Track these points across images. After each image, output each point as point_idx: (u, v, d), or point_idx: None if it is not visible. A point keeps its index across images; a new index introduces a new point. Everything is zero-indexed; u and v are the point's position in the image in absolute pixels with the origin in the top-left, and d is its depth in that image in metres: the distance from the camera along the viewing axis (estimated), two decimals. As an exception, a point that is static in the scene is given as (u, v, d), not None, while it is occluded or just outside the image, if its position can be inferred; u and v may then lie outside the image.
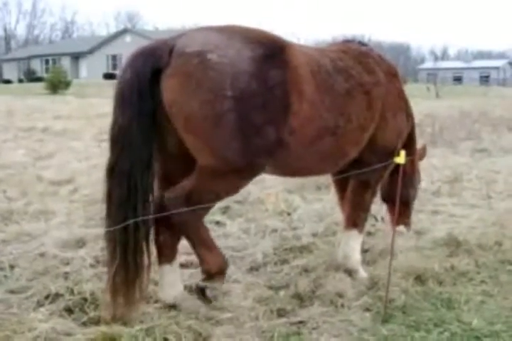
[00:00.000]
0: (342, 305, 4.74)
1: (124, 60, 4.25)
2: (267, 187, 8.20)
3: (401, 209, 5.82)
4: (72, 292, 4.72)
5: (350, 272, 5.41)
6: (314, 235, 6.50)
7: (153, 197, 4.39)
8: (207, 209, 4.55)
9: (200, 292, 4.66)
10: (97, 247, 5.75)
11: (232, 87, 4.09)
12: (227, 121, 4.10)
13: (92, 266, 5.42)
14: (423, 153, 6.62)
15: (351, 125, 4.92)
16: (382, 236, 6.44)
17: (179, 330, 4.17)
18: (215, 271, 4.59)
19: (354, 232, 5.56)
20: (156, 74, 4.16)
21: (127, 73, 4.23)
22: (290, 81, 4.34)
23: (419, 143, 6.52)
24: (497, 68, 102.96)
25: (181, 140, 4.27)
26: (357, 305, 4.76)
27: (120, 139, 4.21)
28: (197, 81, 4.07)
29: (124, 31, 74.38)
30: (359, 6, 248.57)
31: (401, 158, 4.69)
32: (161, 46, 4.28)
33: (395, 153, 5.14)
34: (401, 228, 6.17)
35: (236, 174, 4.38)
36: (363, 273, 5.45)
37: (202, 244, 4.59)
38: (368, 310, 4.72)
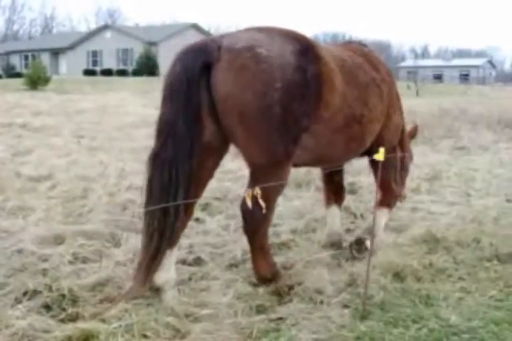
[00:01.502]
0: (321, 302, 4.74)
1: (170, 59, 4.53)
2: (246, 184, 8.19)
3: (388, 191, 6.28)
4: (50, 289, 4.67)
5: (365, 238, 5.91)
6: (294, 232, 6.51)
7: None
8: (273, 207, 4.86)
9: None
10: (76, 244, 5.73)
11: (281, 79, 4.38)
12: (274, 112, 4.39)
13: (70, 262, 5.38)
14: (414, 132, 7.22)
15: (372, 115, 5.41)
16: (361, 232, 6.44)
17: (158, 327, 4.17)
18: (265, 276, 4.95)
19: (384, 210, 6.20)
20: (205, 69, 4.37)
21: (176, 67, 4.46)
22: (323, 74, 4.65)
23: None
24: (477, 67, 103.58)
25: (216, 135, 4.55)
26: (336, 301, 4.76)
27: (166, 130, 4.44)
28: (251, 73, 4.34)
29: (104, 27, 73.98)
30: (339, 4, 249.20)
31: (380, 155, 4.71)
32: (209, 43, 4.51)
33: (396, 144, 6.16)
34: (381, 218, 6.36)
35: (279, 167, 4.69)
36: (382, 238, 6.18)
37: (261, 249, 4.93)
38: (346, 306, 4.72)
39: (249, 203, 4.43)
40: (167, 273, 4.73)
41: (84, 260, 5.50)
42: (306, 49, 4.62)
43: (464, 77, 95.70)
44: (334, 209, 6.33)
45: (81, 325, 4.14)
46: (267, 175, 4.63)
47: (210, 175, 4.95)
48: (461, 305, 4.86)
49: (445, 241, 6.29)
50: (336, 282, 5.11)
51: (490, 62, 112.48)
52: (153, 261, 4.53)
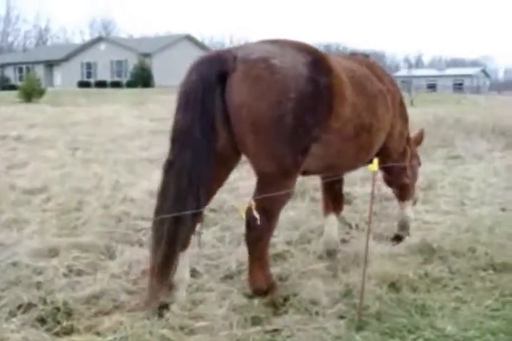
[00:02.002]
0: (316, 313, 4.72)
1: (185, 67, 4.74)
2: (241, 196, 8.20)
3: (406, 190, 7.05)
4: (44, 302, 4.68)
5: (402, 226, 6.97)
6: (289, 243, 6.50)
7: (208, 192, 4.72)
8: (277, 216, 4.92)
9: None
10: (70, 256, 5.70)
11: (294, 90, 4.47)
12: (287, 122, 4.47)
13: (65, 275, 5.36)
14: (420, 137, 7.57)
15: (379, 124, 5.58)
16: (356, 243, 6.43)
17: (153, 340, 4.17)
18: (260, 288, 4.94)
19: (406, 201, 7.02)
20: (220, 78, 4.47)
21: (192, 76, 4.56)
22: (334, 85, 4.77)
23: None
24: (470, 76, 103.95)
25: (228, 144, 4.64)
26: (331, 312, 4.74)
27: (181, 137, 4.54)
28: (266, 84, 4.44)
29: (98, 39, 74.12)
30: (332, 14, 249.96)
31: (374, 166, 4.71)
32: (224, 53, 4.62)
33: (405, 152, 6.60)
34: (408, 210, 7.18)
35: (287, 177, 4.77)
36: (412, 238, 6.66)
37: (260, 260, 4.92)
38: (342, 317, 4.70)
39: (255, 213, 4.45)
40: (181, 272, 4.82)
41: (79, 273, 5.48)
42: (317, 61, 4.74)
43: (458, 87, 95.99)
44: (332, 217, 6.40)
45: (76, 338, 4.16)
46: (275, 184, 4.70)
47: (220, 184, 5.12)
48: (457, 315, 4.84)
49: (440, 250, 6.28)
50: (332, 293, 5.09)
51: (484, 71, 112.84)
52: (167, 269, 4.58)
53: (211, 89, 4.46)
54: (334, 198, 6.44)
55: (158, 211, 4.64)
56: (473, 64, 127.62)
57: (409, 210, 7.09)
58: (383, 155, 6.07)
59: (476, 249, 6.35)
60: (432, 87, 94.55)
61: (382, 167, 6.05)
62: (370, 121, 5.41)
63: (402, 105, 6.45)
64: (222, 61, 4.53)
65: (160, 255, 4.53)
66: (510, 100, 49.44)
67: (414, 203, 7.57)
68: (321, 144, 4.85)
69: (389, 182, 6.96)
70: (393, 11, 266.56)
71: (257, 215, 4.46)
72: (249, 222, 4.69)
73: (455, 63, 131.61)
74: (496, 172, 11.96)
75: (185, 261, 4.85)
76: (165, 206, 4.58)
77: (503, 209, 8.64)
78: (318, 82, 4.62)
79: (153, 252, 4.61)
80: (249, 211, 4.55)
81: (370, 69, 5.93)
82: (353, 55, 6.38)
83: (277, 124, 4.46)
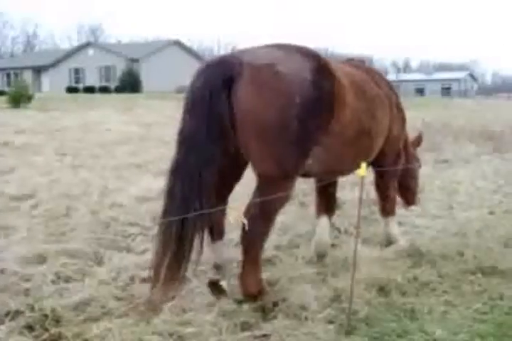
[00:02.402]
0: (306, 318, 4.71)
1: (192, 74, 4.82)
2: (230, 200, 8.18)
3: (407, 193, 7.52)
4: (32, 309, 4.64)
5: (389, 243, 6.77)
6: (278, 248, 6.49)
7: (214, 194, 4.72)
8: (275, 218, 4.96)
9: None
10: (58, 263, 5.68)
11: (299, 95, 4.55)
12: (291, 126, 4.54)
13: (53, 282, 5.32)
14: (419, 140, 7.79)
15: (378, 128, 5.76)
16: (345, 247, 6.43)
17: (142, 346, 4.14)
18: (251, 292, 4.95)
19: (390, 217, 6.88)
20: (226, 83, 4.52)
21: (198, 81, 4.65)
22: (336, 90, 4.86)
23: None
24: (458, 80, 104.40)
25: (234, 147, 4.70)
26: (320, 317, 4.73)
27: (188, 140, 4.62)
28: (271, 89, 4.52)
29: (86, 44, 73.90)
30: (321, 20, 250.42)
31: (362, 171, 4.72)
32: (230, 58, 4.70)
33: (400, 155, 6.74)
34: (412, 207, 7.81)
35: (288, 178, 4.85)
36: (402, 242, 6.71)
37: (254, 263, 4.93)
38: (331, 322, 4.69)
39: (243, 218, 4.54)
40: (227, 253, 5.48)
41: (67, 279, 5.44)
42: (321, 66, 4.81)
43: (446, 91, 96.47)
44: (324, 220, 6.45)
45: (64, 345, 4.11)
46: (275, 187, 4.75)
47: (232, 186, 5.29)
48: (446, 319, 4.86)
49: (429, 254, 6.29)
50: (321, 298, 5.08)
51: (471, 75, 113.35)
52: (174, 270, 4.62)
53: (217, 93, 4.52)
54: (327, 202, 6.54)
55: (165, 212, 4.69)
56: (461, 68, 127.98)
57: (394, 226, 6.96)
58: (379, 157, 6.25)
59: (464, 252, 6.38)
60: (420, 91, 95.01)
61: (376, 170, 6.45)
62: (370, 125, 5.55)
63: (399, 108, 6.58)
64: (229, 66, 4.58)
65: (169, 256, 4.57)
66: (498, 104, 49.72)
67: (416, 204, 7.81)
68: (322, 147, 4.92)
69: (378, 187, 6.91)
70: (381, 15, 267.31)
71: (245, 220, 4.51)
72: (247, 224, 4.67)
73: (443, 67, 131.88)
74: (484, 175, 12.03)
75: (223, 247, 5.50)
76: (171, 207, 4.65)
77: (491, 213, 8.68)
78: (321, 87, 4.71)
79: (161, 253, 4.62)
80: (246, 213, 4.63)
81: (368, 74, 6.08)
82: (350, 61, 6.55)
83: (282, 128, 4.53)
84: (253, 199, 4.75)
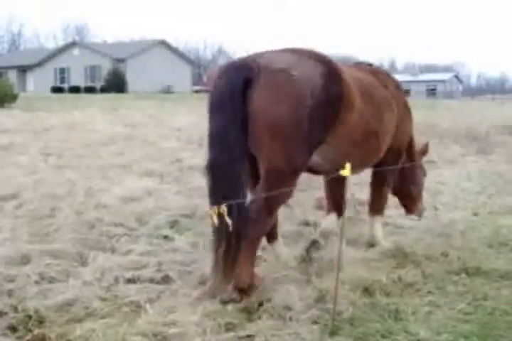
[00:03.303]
0: (290, 318, 4.71)
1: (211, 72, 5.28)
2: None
3: (410, 201, 7.61)
4: (15, 310, 4.63)
5: (372, 245, 6.83)
6: (262, 248, 6.46)
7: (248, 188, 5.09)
8: (276, 213, 5.32)
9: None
10: (42, 263, 5.65)
11: (310, 98, 4.90)
12: (302, 126, 4.89)
13: (36, 282, 5.30)
14: (425, 149, 7.86)
15: (385, 129, 6.10)
16: (330, 248, 6.43)
17: (126, 347, 4.13)
18: (242, 286, 5.05)
19: (378, 217, 7.00)
20: (245, 84, 4.85)
21: (221, 82, 4.99)
22: (344, 94, 5.19)
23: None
24: (443, 81, 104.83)
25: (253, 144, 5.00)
26: (305, 317, 4.73)
27: (218, 139, 4.94)
28: (285, 92, 4.87)
29: (72, 44, 73.56)
30: (304, 20, 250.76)
31: (346, 171, 4.75)
32: (249, 61, 5.02)
33: (403, 153, 6.97)
34: (412, 216, 7.69)
35: (294, 173, 5.16)
36: (384, 244, 6.76)
37: (251, 256, 5.10)
38: (315, 322, 4.69)
39: (226, 218, 4.71)
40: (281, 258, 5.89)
41: (51, 280, 5.42)
42: (331, 71, 5.14)
43: (431, 92, 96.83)
44: (333, 216, 7.08)
45: (47, 346, 4.09)
46: (281, 182, 5.05)
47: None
48: (430, 319, 4.87)
49: (413, 255, 6.31)
50: (305, 298, 5.08)
51: (456, 76, 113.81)
52: (225, 259, 4.94)
53: (239, 93, 4.84)
54: (339, 202, 6.75)
55: (211, 207, 4.93)
56: (446, 69, 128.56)
57: (379, 228, 7.03)
58: (387, 152, 6.48)
59: (448, 253, 6.41)
60: (405, 92, 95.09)
61: (374, 167, 6.74)
62: (377, 127, 5.90)
63: (406, 107, 6.92)
64: (248, 69, 4.91)
65: (222, 249, 4.93)
66: (483, 105, 49.93)
67: (421, 215, 7.73)
68: (331, 147, 5.33)
69: (373, 184, 7.09)
70: (367, 16, 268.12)
71: (229, 221, 4.65)
72: (253, 218, 4.96)
73: (428, 69, 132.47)
74: (469, 176, 12.09)
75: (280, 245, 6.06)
76: (216, 200, 4.88)
77: (475, 214, 8.72)
78: (331, 91, 5.04)
79: (215, 247, 5.03)
80: (253, 208, 4.96)
81: (376, 76, 6.41)
82: (359, 64, 6.93)
83: (292, 127, 4.87)
84: (257, 193, 5.05)
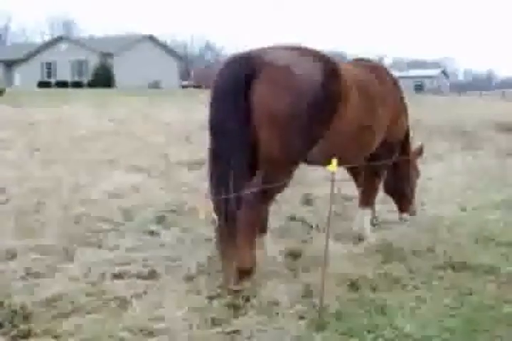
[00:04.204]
0: (276, 314, 4.73)
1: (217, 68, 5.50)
2: (202, 197, 8.15)
3: (402, 200, 7.74)
4: (1, 305, 4.63)
5: (360, 237, 6.93)
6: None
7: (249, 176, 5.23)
8: (272, 201, 5.56)
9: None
10: (28, 259, 5.64)
11: (309, 94, 5.11)
12: (300, 120, 5.10)
13: (22, 278, 5.30)
14: (419, 151, 8.00)
15: (379, 124, 6.31)
16: (316, 243, 6.44)
17: (112, 342, 4.12)
18: (246, 267, 5.21)
19: (367, 209, 7.20)
20: (248, 77, 5.07)
21: (225, 74, 5.22)
22: (342, 91, 5.42)
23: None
24: (431, 77, 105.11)
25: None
26: (291, 313, 4.76)
27: (219, 127, 5.18)
28: (284, 87, 5.08)
29: (59, 39, 73.11)
30: (292, 16, 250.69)
31: (333, 166, 4.77)
32: (253, 56, 5.23)
33: (397, 147, 7.20)
34: (404, 215, 7.73)
35: (291, 163, 5.39)
36: (372, 239, 6.84)
37: (250, 240, 5.24)
38: (302, 317, 4.72)
39: (213, 213, 4.98)
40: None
41: (37, 275, 5.41)
42: (330, 69, 5.35)
43: (419, 88, 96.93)
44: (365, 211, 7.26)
45: (33, 341, 4.09)
46: (278, 171, 5.28)
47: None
48: (416, 314, 4.90)
49: (400, 250, 6.34)
50: (292, 293, 5.10)
51: (444, 72, 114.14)
52: (230, 241, 5.18)
53: (241, 86, 5.05)
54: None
55: (212, 192, 5.25)
56: (434, 65, 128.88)
57: (367, 221, 7.16)
58: (381, 146, 6.70)
59: (435, 248, 6.44)
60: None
61: (368, 159, 6.85)
62: (371, 122, 6.12)
63: (402, 102, 7.15)
64: (251, 64, 5.12)
65: (225, 233, 5.18)
66: (470, 101, 50.04)
67: (413, 214, 7.83)
68: (325, 140, 5.47)
69: (366, 176, 7.25)
70: (355, 12, 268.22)
71: (215, 216, 4.64)
72: (247, 202, 5.13)
73: (416, 64, 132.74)
74: (456, 172, 12.11)
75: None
76: (216, 190, 5.20)
77: (462, 209, 8.75)
78: (328, 88, 5.24)
79: (220, 231, 5.23)
80: (250, 195, 5.10)
81: (374, 72, 6.63)
82: (359, 61, 7.13)
83: (291, 120, 5.07)
84: (255, 180, 5.22)
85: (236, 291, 5.12)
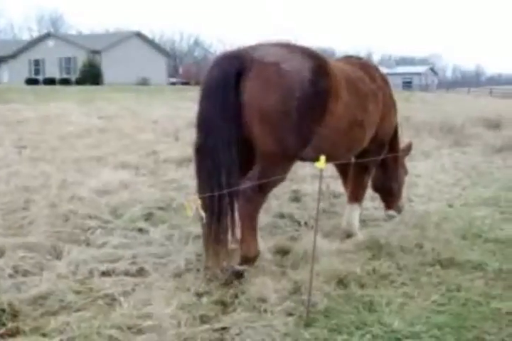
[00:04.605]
0: (265, 311, 4.73)
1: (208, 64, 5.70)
2: (190, 194, 8.14)
3: (389, 197, 7.79)
4: (-11, 303, 4.59)
5: (348, 233, 6.94)
6: (237, 241, 6.47)
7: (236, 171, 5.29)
8: (268, 194, 5.63)
9: (236, 275, 5.38)
10: (16, 256, 5.60)
11: (298, 90, 5.21)
12: (291, 116, 5.20)
13: (10, 276, 5.26)
14: (408, 149, 8.11)
15: (370, 120, 6.38)
16: (305, 240, 6.44)
17: (100, 340, 4.13)
18: (252, 256, 5.49)
19: (356, 205, 7.14)
20: (238, 74, 5.16)
21: (215, 71, 5.28)
22: (332, 87, 5.51)
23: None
24: (419, 74, 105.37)
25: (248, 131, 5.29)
26: (280, 309, 4.76)
27: (206, 124, 5.26)
28: (274, 84, 5.18)
29: (47, 35, 72.89)
30: (283, 11, 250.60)
31: (321, 163, 4.78)
32: (242, 53, 5.33)
33: (386, 143, 7.23)
34: (391, 212, 7.78)
35: (287, 158, 5.52)
36: (360, 236, 6.83)
37: (252, 230, 5.50)
38: (290, 314, 4.72)
39: (200, 210, 4.78)
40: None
41: (25, 273, 5.38)
42: (319, 66, 5.44)
43: (407, 84, 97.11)
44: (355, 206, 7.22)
45: (21, 339, 4.12)
46: (275, 165, 5.43)
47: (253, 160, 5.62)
48: (404, 311, 4.91)
49: (388, 246, 6.34)
50: (280, 290, 5.10)
51: (432, 69, 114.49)
52: (218, 237, 5.28)
53: (230, 83, 5.14)
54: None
55: (199, 189, 5.33)
56: (422, 62, 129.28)
57: (356, 217, 7.13)
58: (372, 141, 6.74)
59: (423, 244, 6.45)
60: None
61: (357, 155, 6.88)
62: (362, 118, 6.18)
63: (391, 99, 7.19)
64: (241, 61, 5.22)
65: (212, 228, 5.24)
66: (458, 98, 50.24)
67: (400, 211, 7.86)
68: (318, 136, 5.55)
69: (355, 172, 7.19)
70: (343, 8, 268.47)
71: (202, 213, 4.79)
72: (243, 198, 5.33)
73: (404, 61, 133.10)
74: (444, 169, 12.17)
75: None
76: (202, 184, 5.31)
77: (450, 206, 8.79)
78: (318, 84, 5.33)
79: (207, 224, 5.25)
80: (248, 187, 5.28)
81: (364, 69, 6.68)
82: (349, 58, 7.19)
83: (281, 116, 5.19)
84: (252, 173, 5.37)
85: (238, 275, 5.33)
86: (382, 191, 7.83)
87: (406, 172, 8.09)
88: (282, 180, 5.60)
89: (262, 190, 5.39)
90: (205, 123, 5.28)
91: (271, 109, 5.16)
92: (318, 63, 5.47)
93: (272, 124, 5.21)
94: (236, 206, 5.38)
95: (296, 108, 5.20)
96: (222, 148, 5.16)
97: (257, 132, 5.27)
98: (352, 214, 7.09)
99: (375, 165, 7.29)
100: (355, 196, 7.18)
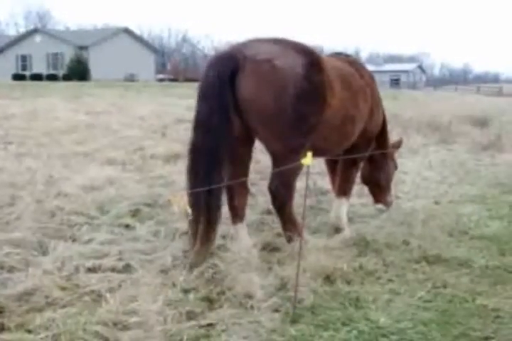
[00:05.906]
0: (251, 307, 4.73)
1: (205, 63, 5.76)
2: (177, 190, 8.13)
3: (378, 190, 7.83)
4: (-27, 300, 4.57)
5: (338, 230, 6.93)
6: (224, 237, 6.46)
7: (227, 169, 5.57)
8: (294, 186, 5.95)
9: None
10: (2, 252, 5.57)
11: (293, 86, 5.34)
12: (287, 112, 5.36)
13: (-5, 272, 5.25)
14: (398, 144, 8.28)
15: (360, 115, 6.51)
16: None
17: (86, 336, 4.12)
18: (295, 237, 5.87)
19: (344, 200, 7.20)
20: (232, 74, 5.29)
21: (210, 72, 5.39)
22: (326, 82, 5.63)
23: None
24: (407, 72, 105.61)
25: (245, 129, 5.55)
26: (266, 306, 4.76)
27: (202, 124, 5.39)
28: (269, 81, 5.32)
29: (34, 31, 72.59)
30: (268, 9, 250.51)
31: (307, 160, 4.79)
32: (236, 52, 5.43)
33: (373, 138, 7.31)
34: (380, 206, 7.86)
35: (294, 154, 5.55)
36: (348, 232, 6.84)
37: (292, 219, 5.97)
38: (277, 310, 4.73)
39: (187, 207, 4.89)
40: (244, 242, 5.99)
41: (11, 269, 5.35)
42: (313, 61, 5.56)
43: (395, 82, 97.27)
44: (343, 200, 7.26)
45: (6, 336, 4.08)
46: (285, 160, 5.57)
47: (246, 160, 5.98)
48: (390, 307, 4.93)
49: (375, 243, 6.37)
50: (267, 286, 5.10)
51: (420, 67, 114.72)
52: (207, 234, 5.48)
53: (225, 83, 5.27)
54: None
55: (191, 186, 5.39)
56: (410, 60, 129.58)
57: (344, 212, 7.16)
58: (360, 136, 6.83)
59: (409, 241, 6.47)
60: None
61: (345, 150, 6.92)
62: (353, 113, 6.32)
63: (378, 96, 7.28)
64: (235, 60, 5.33)
65: (202, 223, 5.41)
66: (446, 96, 50.38)
67: (389, 205, 7.91)
68: (317, 130, 5.71)
69: (343, 166, 7.25)
70: (331, 6, 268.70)
71: (189, 209, 4.88)
72: (272, 192, 5.78)
73: (392, 59, 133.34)
74: (431, 166, 12.21)
75: (244, 231, 6.15)
76: (195, 182, 5.39)
77: (436, 203, 8.81)
78: (312, 80, 5.45)
79: (194, 221, 5.42)
80: (271, 183, 5.77)
81: (353, 67, 6.79)
82: (338, 55, 7.27)
83: (279, 114, 5.35)
84: (272, 172, 5.74)
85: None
86: (370, 183, 7.86)
87: (396, 166, 8.14)
88: (299, 169, 5.79)
89: (287, 184, 5.76)
90: (202, 124, 5.39)
91: (266, 107, 5.31)
92: (311, 59, 5.56)
93: (271, 122, 5.38)
94: (222, 203, 5.56)
95: (292, 104, 5.33)
96: (217, 148, 5.31)
97: (259, 131, 5.52)
98: (340, 209, 7.11)
99: (363, 159, 7.34)
100: (343, 190, 7.21)
